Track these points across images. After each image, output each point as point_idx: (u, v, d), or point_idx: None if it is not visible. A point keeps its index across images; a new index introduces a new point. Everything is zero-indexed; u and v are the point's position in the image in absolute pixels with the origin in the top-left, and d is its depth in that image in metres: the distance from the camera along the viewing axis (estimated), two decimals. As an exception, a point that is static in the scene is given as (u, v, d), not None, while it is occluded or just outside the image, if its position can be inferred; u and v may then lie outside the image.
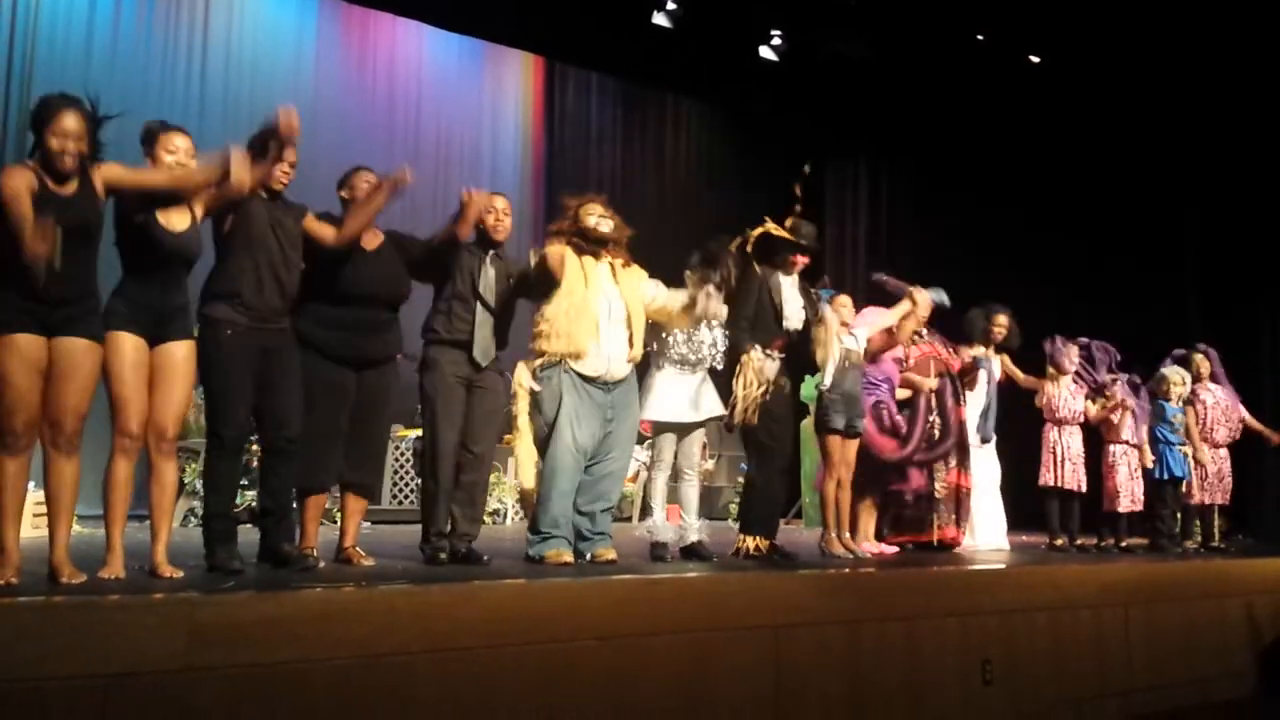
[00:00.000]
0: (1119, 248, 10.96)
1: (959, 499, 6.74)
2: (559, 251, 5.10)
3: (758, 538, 5.54)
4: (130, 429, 3.92)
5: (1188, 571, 6.77)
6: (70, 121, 3.71)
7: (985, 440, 7.11)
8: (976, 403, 7.11)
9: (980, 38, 11.06)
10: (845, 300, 6.24)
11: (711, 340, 5.62)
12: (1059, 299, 10.30)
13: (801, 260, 5.82)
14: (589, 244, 5.18)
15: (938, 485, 6.64)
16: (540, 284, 5.11)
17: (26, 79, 9.46)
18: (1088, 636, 5.70)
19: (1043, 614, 5.54)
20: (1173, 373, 7.86)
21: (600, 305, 5.11)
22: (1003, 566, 6.11)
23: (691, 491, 5.68)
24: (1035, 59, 11.20)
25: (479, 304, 5.02)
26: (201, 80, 10.49)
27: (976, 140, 11.73)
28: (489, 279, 5.08)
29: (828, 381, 5.92)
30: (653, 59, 12.16)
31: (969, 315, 7.37)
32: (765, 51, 12.01)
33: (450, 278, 5.05)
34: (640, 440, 6.49)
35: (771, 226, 5.77)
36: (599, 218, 5.21)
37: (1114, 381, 7.52)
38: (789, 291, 5.73)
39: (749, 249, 5.69)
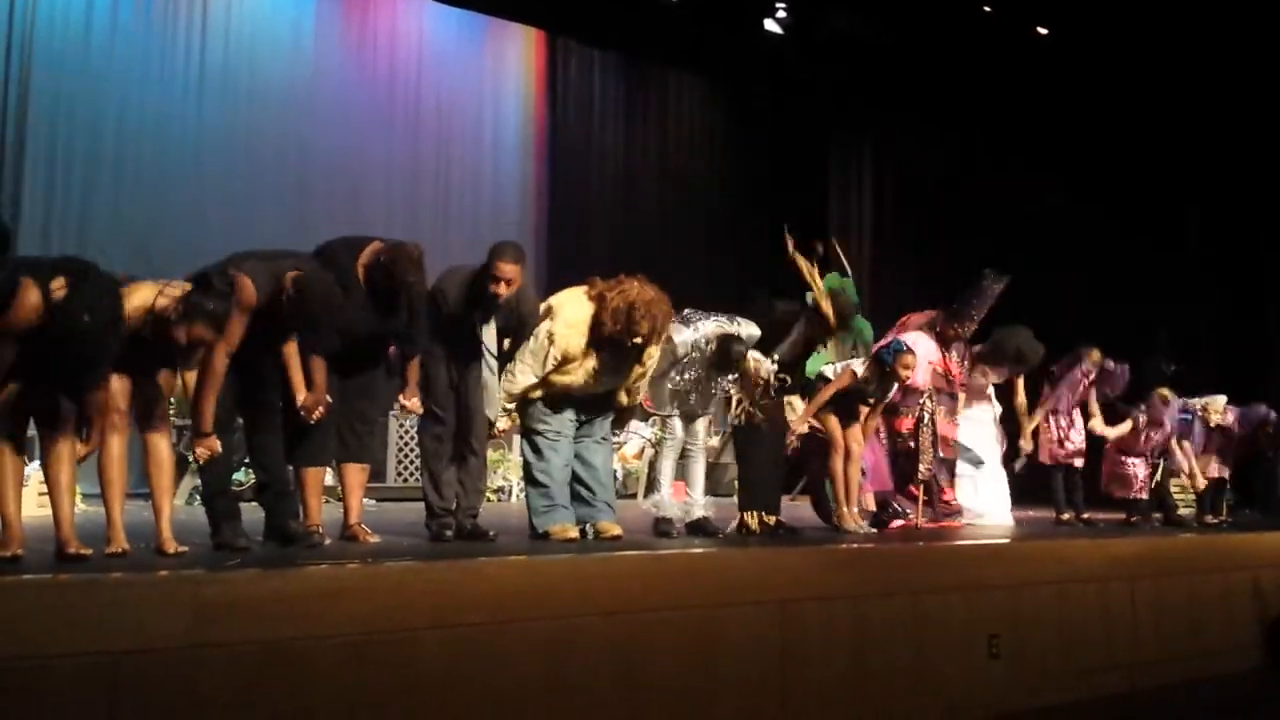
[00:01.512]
0: (1129, 226, 10.90)
1: (939, 491, 6.76)
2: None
3: (758, 514, 5.55)
4: (119, 406, 3.89)
5: (1194, 545, 6.76)
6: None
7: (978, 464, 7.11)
8: (984, 416, 7.17)
9: (987, 9, 10.98)
10: (909, 361, 5.95)
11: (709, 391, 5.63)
12: (1065, 278, 10.27)
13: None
14: (614, 331, 4.84)
15: (922, 470, 6.61)
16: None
17: (26, 62, 9.42)
18: (1094, 610, 5.70)
19: (1049, 588, 5.53)
20: (1216, 401, 7.91)
21: (594, 387, 5.04)
22: (1009, 541, 6.11)
23: (698, 468, 5.70)
24: (1043, 31, 11.11)
25: (485, 357, 4.95)
26: (201, 59, 10.43)
27: (983, 115, 11.65)
28: (490, 337, 4.98)
29: (836, 369, 5.99)
30: (655, 33, 12.10)
31: (999, 337, 7.08)
32: (770, 24, 11.92)
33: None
34: (645, 417, 6.50)
35: (826, 306, 5.83)
36: (643, 320, 4.75)
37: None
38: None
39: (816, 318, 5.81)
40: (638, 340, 4.83)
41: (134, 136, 9.87)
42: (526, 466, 5.08)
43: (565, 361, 4.87)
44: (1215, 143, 10.58)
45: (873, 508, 6.49)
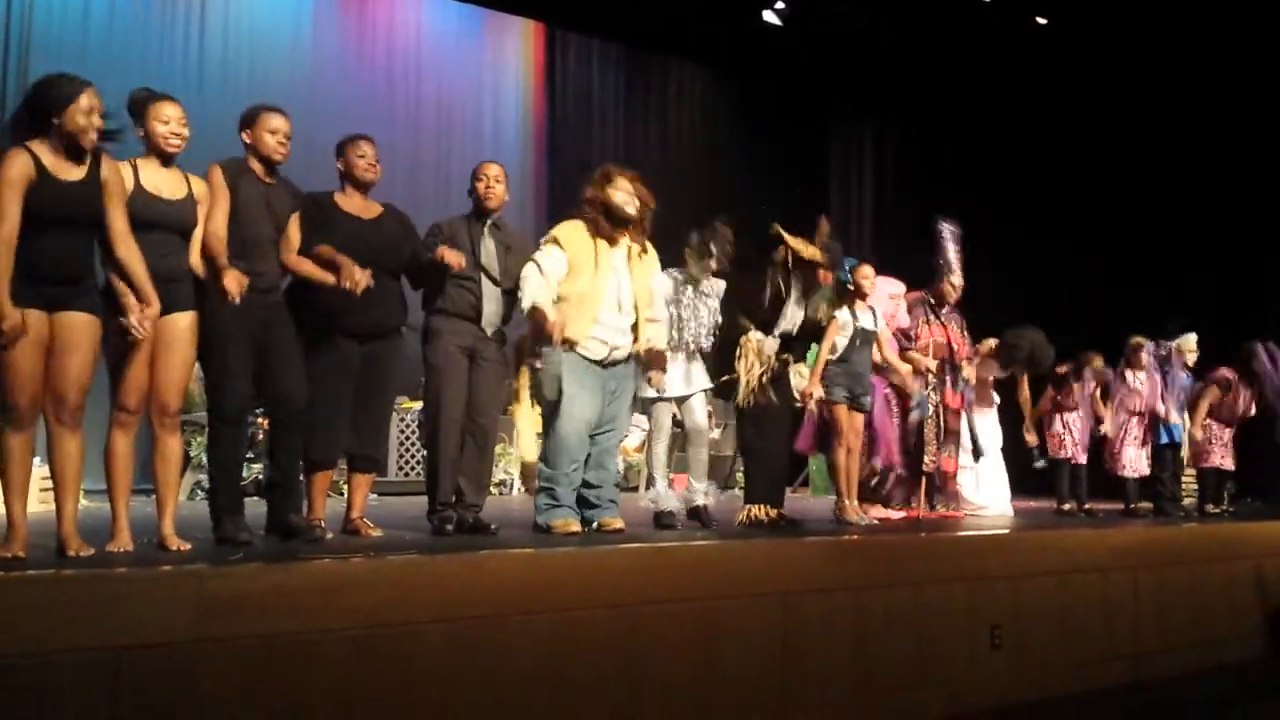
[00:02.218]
0: (1131, 213, 10.88)
1: (944, 480, 6.73)
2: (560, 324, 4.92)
3: (762, 506, 5.54)
4: (129, 403, 3.92)
5: (1196, 535, 6.77)
6: (94, 100, 3.72)
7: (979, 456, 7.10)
8: (986, 408, 7.18)
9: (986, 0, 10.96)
10: (867, 271, 6.16)
11: (697, 324, 5.56)
12: (1068, 266, 10.25)
13: (828, 275, 5.83)
14: (610, 223, 5.04)
15: (926, 461, 6.61)
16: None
17: (24, 51, 9.41)
18: (1096, 600, 5.71)
19: (1051, 578, 5.54)
20: (1187, 341, 7.84)
21: (608, 291, 5.03)
22: (1011, 531, 6.11)
23: (701, 455, 5.67)
24: (1042, 20, 11.09)
25: (483, 276, 4.97)
26: (200, 52, 10.42)
27: (982, 104, 11.64)
28: (489, 251, 5.02)
29: (834, 355, 5.98)
30: (655, 25, 12.07)
31: (1009, 339, 7.13)
32: (769, 16, 11.90)
33: (452, 247, 4.95)
34: (644, 409, 6.49)
35: (804, 248, 5.67)
36: (627, 197, 5.07)
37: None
38: (795, 293, 5.70)
39: (788, 261, 5.64)
40: (628, 213, 4.98)
41: (133, 129, 9.82)
42: (539, 465, 5.06)
43: (571, 270, 4.95)
44: (1219, 129, 10.55)
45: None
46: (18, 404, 3.60)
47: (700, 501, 5.52)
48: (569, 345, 4.93)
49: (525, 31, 12.57)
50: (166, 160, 4.08)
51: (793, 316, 5.68)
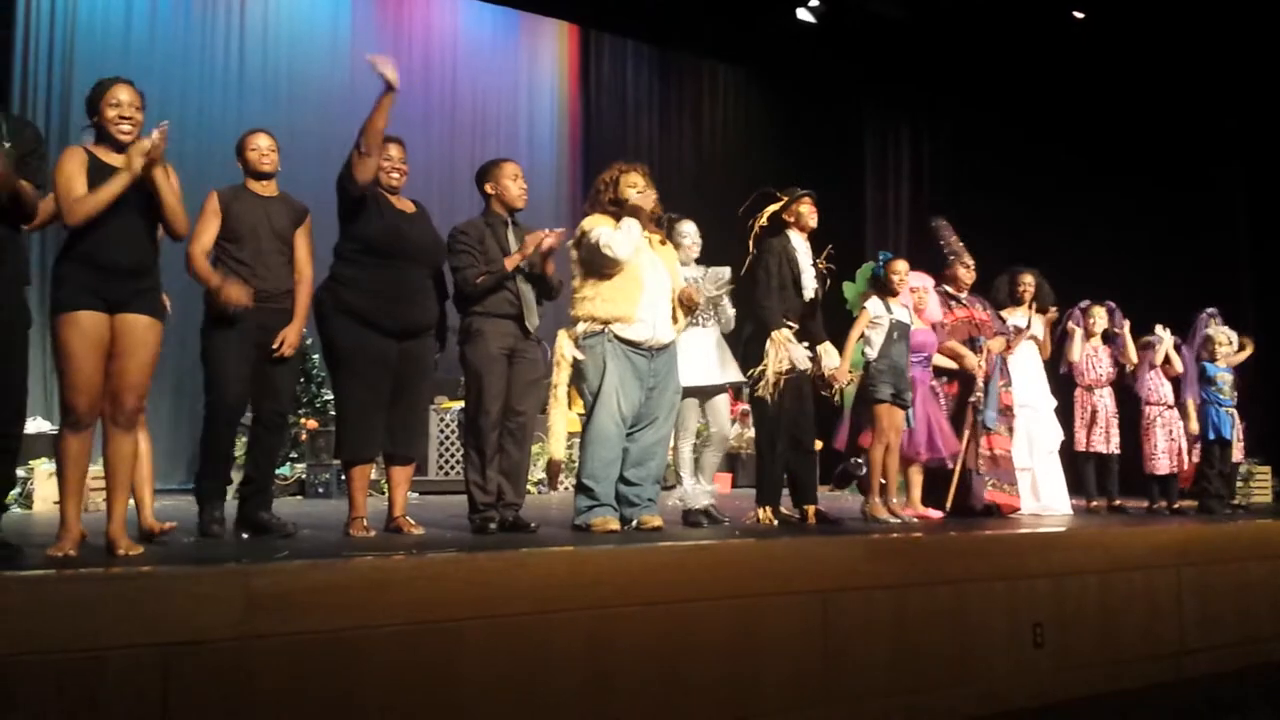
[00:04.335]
0: (1167, 208, 10.76)
1: (996, 463, 6.66)
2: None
3: (767, 508, 5.58)
4: (79, 408, 3.77)
5: (1240, 532, 6.67)
6: (124, 93, 3.86)
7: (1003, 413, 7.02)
8: (1027, 366, 7.06)
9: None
10: (900, 266, 6.13)
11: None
12: (1106, 262, 10.15)
13: (810, 210, 5.82)
14: (626, 216, 5.09)
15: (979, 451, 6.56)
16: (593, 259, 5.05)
17: (68, 60, 9.59)
18: (1139, 598, 5.65)
19: (1093, 576, 5.49)
20: (1218, 333, 7.74)
21: (646, 277, 5.08)
22: (1052, 529, 6.06)
23: (713, 457, 5.71)
24: (1079, 15, 10.99)
25: (519, 277, 5.02)
26: (240, 58, 10.58)
27: (1019, 100, 11.54)
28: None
29: (874, 354, 5.96)
30: (689, 24, 12.08)
31: (995, 282, 7.33)
32: (803, 14, 11.88)
33: (484, 252, 5.01)
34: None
35: (764, 214, 5.74)
36: (639, 193, 5.11)
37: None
38: (804, 259, 5.75)
39: (759, 228, 5.67)
40: (645, 205, 5.04)
41: (176, 137, 9.83)
42: (578, 468, 5.08)
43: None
44: (1256, 126, 10.42)
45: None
46: (76, 406, 3.68)
47: (704, 502, 5.52)
48: (613, 327, 4.96)
49: (560, 33, 12.63)
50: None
51: (810, 283, 5.72)
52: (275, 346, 4.57)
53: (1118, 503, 7.31)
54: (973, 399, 6.55)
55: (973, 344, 6.63)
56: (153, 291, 3.86)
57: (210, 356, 4.52)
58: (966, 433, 6.50)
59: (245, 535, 4.54)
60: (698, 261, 5.73)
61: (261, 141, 4.72)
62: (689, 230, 5.77)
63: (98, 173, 3.75)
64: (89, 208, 3.70)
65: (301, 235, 4.74)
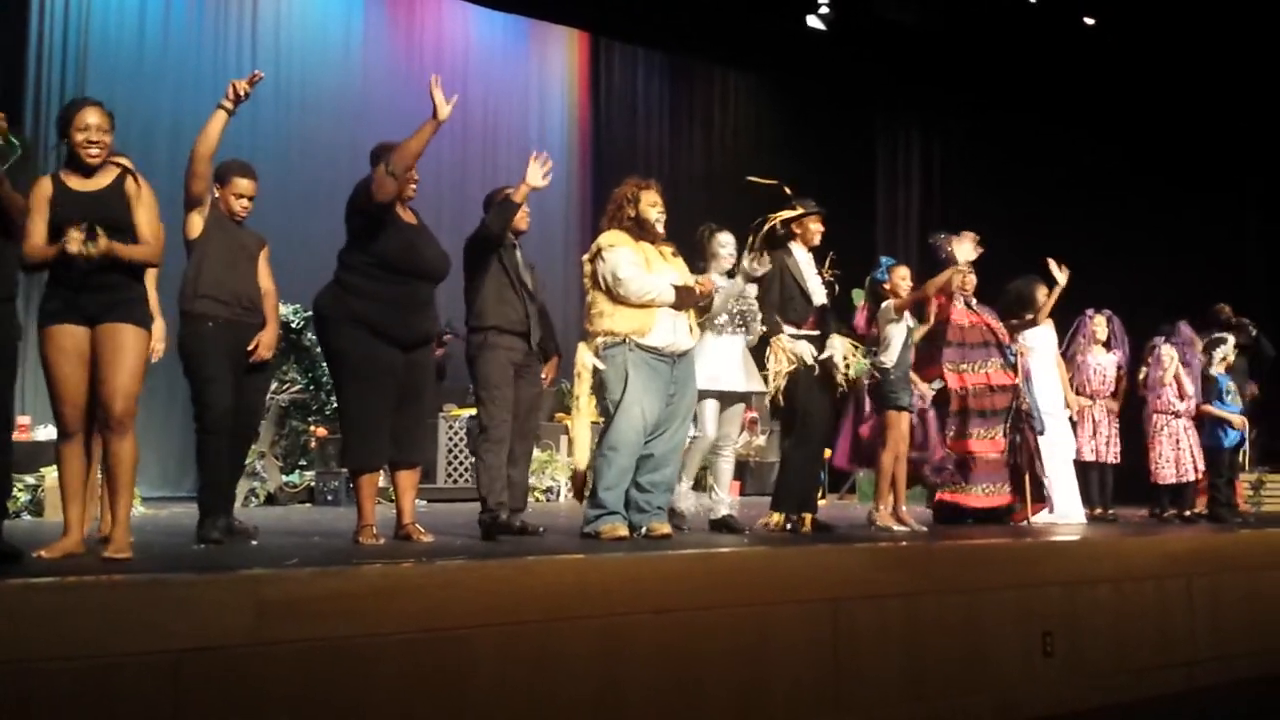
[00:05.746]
0: (1179, 213, 10.73)
1: (1012, 467, 6.64)
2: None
3: (781, 515, 5.58)
4: (68, 420, 3.91)
5: (1252, 541, 6.64)
6: (92, 116, 3.88)
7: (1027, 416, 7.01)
8: (1045, 373, 7.06)
9: (1032, 0, 10.87)
10: (904, 272, 6.13)
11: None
12: (1117, 267, 10.12)
13: (818, 228, 5.85)
14: (642, 232, 5.13)
15: (986, 450, 6.55)
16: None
17: (81, 66, 9.64)
18: (1150, 608, 5.63)
19: (1104, 585, 5.46)
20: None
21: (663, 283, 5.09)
22: (1062, 538, 6.04)
23: (726, 465, 5.73)
24: (1090, 21, 10.97)
25: (525, 293, 5.11)
26: (253, 65, 10.53)
27: (1030, 106, 11.53)
28: (521, 268, 5.19)
29: (892, 360, 5.93)
30: (699, 31, 12.09)
31: (1013, 288, 7.25)
32: (813, 20, 11.88)
33: (488, 269, 5.10)
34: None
35: (778, 217, 5.74)
36: (658, 213, 5.15)
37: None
38: (808, 269, 5.80)
39: (759, 243, 5.65)
40: (653, 201, 5.11)
41: (188, 144, 9.88)
42: (595, 477, 5.08)
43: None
44: (1269, 132, 10.39)
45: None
46: (62, 416, 3.83)
47: (724, 512, 5.54)
48: (634, 336, 4.96)
49: (570, 41, 12.67)
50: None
51: (818, 290, 5.75)
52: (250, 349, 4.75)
53: (1111, 513, 7.29)
54: (1021, 405, 6.59)
55: (999, 349, 6.64)
56: (134, 302, 3.89)
57: (195, 373, 4.62)
58: (1014, 436, 6.51)
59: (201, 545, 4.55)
60: (729, 274, 5.69)
61: (244, 187, 4.91)
62: (726, 241, 5.73)
63: (62, 201, 3.80)
64: (34, 259, 3.81)
65: (264, 259, 4.95)
